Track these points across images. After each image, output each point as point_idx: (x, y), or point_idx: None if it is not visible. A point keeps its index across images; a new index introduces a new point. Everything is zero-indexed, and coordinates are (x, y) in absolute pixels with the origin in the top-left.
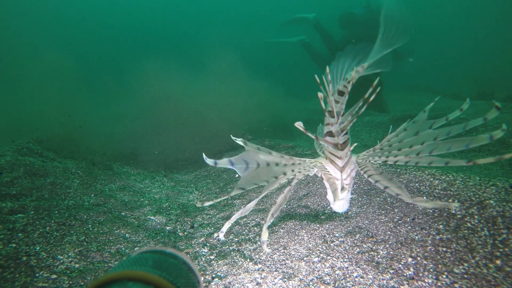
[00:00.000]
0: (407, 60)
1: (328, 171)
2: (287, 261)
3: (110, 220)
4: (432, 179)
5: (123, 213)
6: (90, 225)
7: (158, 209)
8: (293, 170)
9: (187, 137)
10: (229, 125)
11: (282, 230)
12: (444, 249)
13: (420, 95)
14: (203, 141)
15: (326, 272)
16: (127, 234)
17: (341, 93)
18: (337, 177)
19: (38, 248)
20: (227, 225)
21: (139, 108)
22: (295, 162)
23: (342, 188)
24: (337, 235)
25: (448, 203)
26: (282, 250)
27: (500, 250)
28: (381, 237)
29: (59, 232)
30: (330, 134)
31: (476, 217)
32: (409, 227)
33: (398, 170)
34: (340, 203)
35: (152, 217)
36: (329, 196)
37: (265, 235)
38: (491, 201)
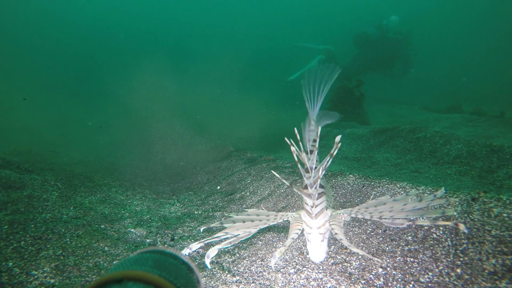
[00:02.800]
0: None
1: (301, 222)
2: (264, 273)
3: (89, 233)
4: (403, 192)
5: (102, 226)
6: (68, 239)
7: (139, 221)
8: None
9: (170, 148)
10: (215, 136)
11: (260, 242)
12: (412, 259)
13: (400, 108)
14: (187, 153)
15: (302, 284)
16: (106, 247)
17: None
18: (310, 225)
19: (11, 264)
20: (196, 245)
21: (122, 117)
22: (278, 216)
23: (316, 237)
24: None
25: (374, 257)
26: (260, 262)
27: (461, 259)
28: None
29: (35, 247)
30: (307, 186)
31: (441, 228)
32: (381, 239)
33: (372, 183)
34: (316, 253)
35: (132, 230)
36: (309, 247)
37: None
38: (454, 213)
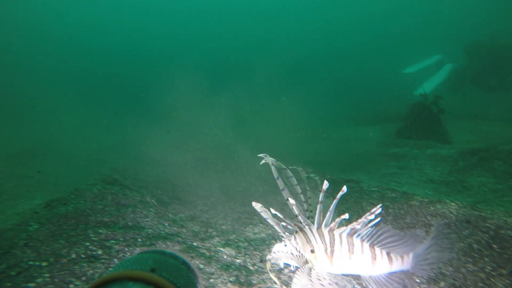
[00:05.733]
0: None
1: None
2: None
3: (185, 250)
4: None
5: (195, 244)
6: None
7: (226, 241)
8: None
9: (241, 169)
10: (282, 156)
11: None
12: None
13: (486, 124)
14: (255, 175)
15: None
16: (201, 265)
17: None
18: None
19: None
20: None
21: (187, 139)
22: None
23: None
24: (418, 280)
25: None
26: None
27: None
28: None
29: None
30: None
31: None
32: (508, 282)
33: (483, 214)
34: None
35: (221, 249)
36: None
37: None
38: None
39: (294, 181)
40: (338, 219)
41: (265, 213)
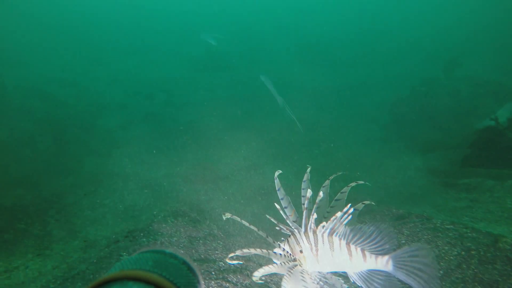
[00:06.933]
0: None
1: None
2: None
3: (255, 284)
4: None
5: (263, 278)
6: (238, 286)
7: None
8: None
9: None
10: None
11: None
12: None
13: None
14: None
15: None
16: None
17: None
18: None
19: None
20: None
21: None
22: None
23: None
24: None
25: None
26: None
27: None
28: None
29: None
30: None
31: None
32: None
33: None
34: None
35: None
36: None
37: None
38: None
39: (303, 193)
40: (312, 219)
41: (236, 219)
